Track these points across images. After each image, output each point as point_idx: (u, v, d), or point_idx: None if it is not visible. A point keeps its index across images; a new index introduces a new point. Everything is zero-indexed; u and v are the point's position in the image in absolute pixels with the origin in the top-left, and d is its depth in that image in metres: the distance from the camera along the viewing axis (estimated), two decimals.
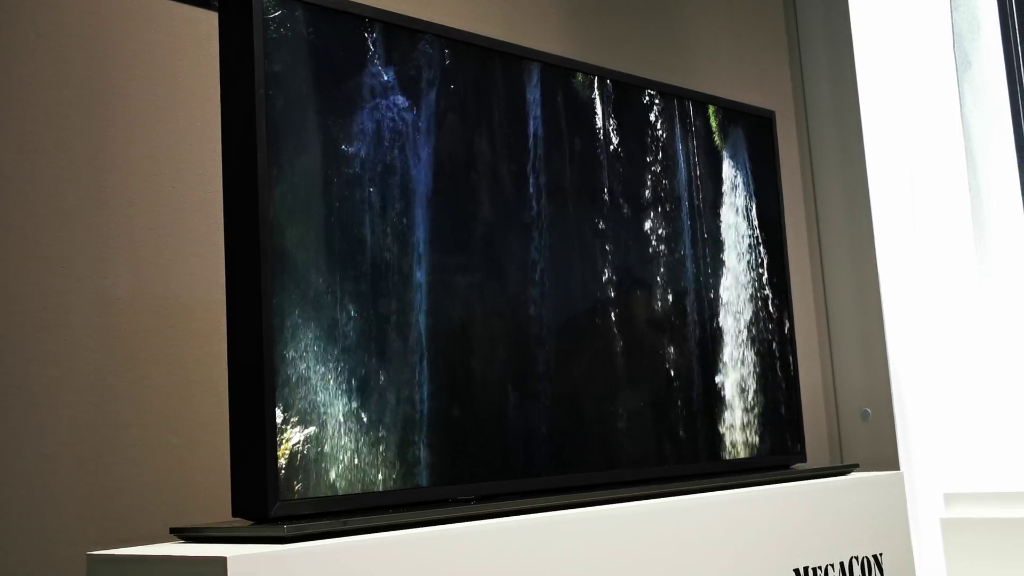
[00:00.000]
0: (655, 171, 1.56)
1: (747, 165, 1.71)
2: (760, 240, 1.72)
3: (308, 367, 1.11)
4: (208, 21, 1.49)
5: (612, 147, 1.50)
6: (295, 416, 1.09)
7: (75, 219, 1.36)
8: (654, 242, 1.54)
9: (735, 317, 1.64)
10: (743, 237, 1.69)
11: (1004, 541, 2.18)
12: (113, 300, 1.38)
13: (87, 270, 1.36)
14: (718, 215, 1.65)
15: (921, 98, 2.60)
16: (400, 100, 1.25)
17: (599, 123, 1.50)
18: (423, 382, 1.21)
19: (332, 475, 1.12)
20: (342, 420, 1.13)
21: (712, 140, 1.66)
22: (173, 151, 1.46)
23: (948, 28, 2.72)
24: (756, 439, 1.64)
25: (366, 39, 1.23)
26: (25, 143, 1.34)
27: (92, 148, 1.39)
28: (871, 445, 2.34)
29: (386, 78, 1.24)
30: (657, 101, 1.58)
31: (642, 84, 1.57)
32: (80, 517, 1.32)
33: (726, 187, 1.67)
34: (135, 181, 1.42)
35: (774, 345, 1.71)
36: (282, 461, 1.07)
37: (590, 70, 1.50)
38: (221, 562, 0.92)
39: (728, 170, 1.68)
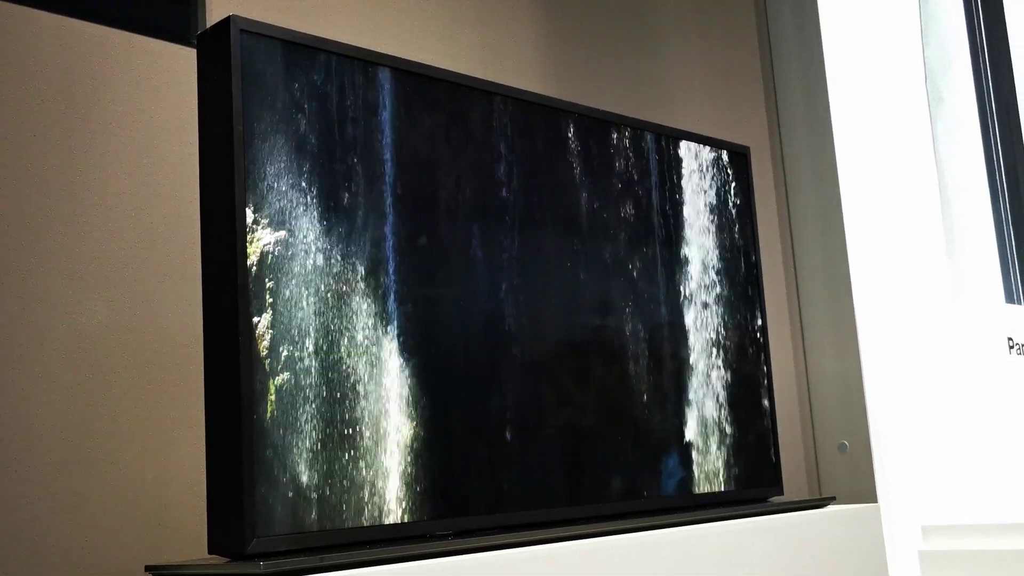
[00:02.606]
0: (629, 206, 1.57)
1: (722, 200, 1.73)
2: (735, 274, 1.73)
3: (284, 410, 1.11)
4: (186, 57, 1.50)
5: (588, 182, 1.51)
6: (273, 449, 1.09)
7: (51, 253, 1.36)
8: (630, 276, 1.55)
9: (711, 350, 1.65)
10: (719, 271, 1.70)
11: (983, 573, 2.18)
12: (88, 335, 1.37)
13: (62, 304, 1.36)
14: (693, 249, 1.66)
15: (895, 134, 2.63)
16: (374, 135, 1.26)
17: (574, 159, 1.51)
18: (400, 425, 1.21)
19: (309, 510, 1.11)
20: (320, 453, 1.13)
21: (687, 175, 1.67)
22: (150, 186, 1.46)
23: (920, 64, 2.76)
24: (733, 472, 1.64)
25: (341, 75, 1.24)
26: (1, 177, 1.33)
27: (69, 182, 1.39)
28: (849, 478, 2.35)
29: (360, 112, 1.25)
30: (633, 137, 1.59)
31: (618, 120, 1.58)
32: (55, 555, 1.30)
33: (701, 222, 1.68)
34: (112, 216, 1.42)
35: (751, 378, 1.72)
36: (259, 495, 1.07)
37: (567, 107, 1.51)
38: None
39: (703, 205, 1.69)
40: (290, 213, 1.15)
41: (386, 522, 1.17)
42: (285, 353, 1.12)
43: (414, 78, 1.31)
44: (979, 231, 2.98)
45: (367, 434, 1.17)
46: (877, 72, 2.61)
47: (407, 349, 1.23)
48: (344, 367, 1.17)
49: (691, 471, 1.57)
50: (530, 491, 1.35)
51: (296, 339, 1.13)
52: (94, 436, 1.36)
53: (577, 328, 1.46)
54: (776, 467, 1.72)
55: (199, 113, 1.18)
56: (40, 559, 1.29)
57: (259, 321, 1.10)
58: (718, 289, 1.69)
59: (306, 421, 1.12)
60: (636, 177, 1.59)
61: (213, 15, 1.53)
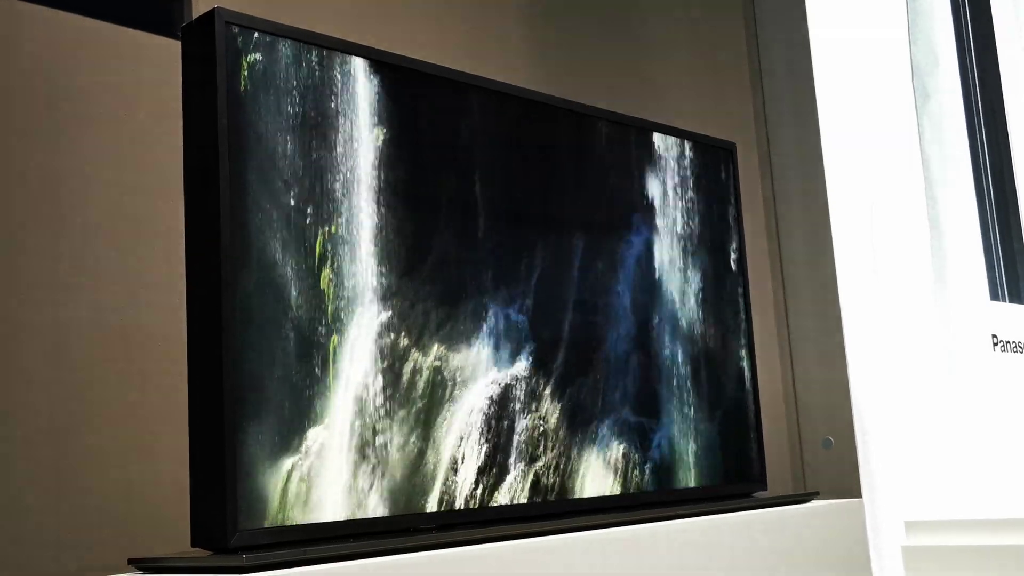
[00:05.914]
0: (613, 202, 1.57)
1: (707, 196, 1.73)
2: (721, 270, 1.73)
3: (267, 395, 1.11)
4: (171, 48, 1.49)
5: (572, 177, 1.51)
6: (256, 443, 1.09)
7: (34, 246, 1.35)
8: (613, 271, 1.55)
9: (697, 346, 1.65)
10: (703, 267, 1.70)
11: (966, 569, 2.19)
12: (72, 329, 1.37)
13: (46, 298, 1.35)
14: (679, 245, 1.66)
15: (881, 131, 2.64)
16: (360, 127, 1.25)
17: (559, 154, 1.51)
18: (380, 417, 1.21)
19: (293, 504, 1.11)
20: (303, 450, 1.13)
21: (672, 171, 1.67)
22: (135, 179, 1.45)
23: (907, 62, 2.77)
24: (718, 468, 1.64)
25: (327, 67, 1.23)
26: None
27: (52, 175, 1.38)
28: (833, 473, 2.36)
29: (346, 105, 1.24)
30: (617, 132, 1.59)
31: (602, 115, 1.58)
32: (38, 548, 1.30)
33: (687, 218, 1.68)
34: (96, 208, 1.41)
35: (736, 374, 1.72)
36: (242, 489, 1.07)
37: (552, 102, 1.51)
38: None
39: (688, 201, 1.69)
40: (278, 215, 1.15)
41: (369, 516, 1.17)
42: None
43: (399, 71, 1.31)
44: (964, 228, 2.99)
45: (347, 433, 1.17)
46: (864, 69, 2.61)
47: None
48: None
49: (675, 466, 1.58)
50: (512, 486, 1.35)
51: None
52: (77, 430, 1.35)
53: (560, 323, 1.46)
54: (760, 463, 1.73)
55: (183, 106, 1.17)
56: (23, 552, 1.29)
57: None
58: (703, 285, 1.69)
59: (289, 413, 1.12)
60: (619, 172, 1.59)
61: (199, 6, 1.53)
